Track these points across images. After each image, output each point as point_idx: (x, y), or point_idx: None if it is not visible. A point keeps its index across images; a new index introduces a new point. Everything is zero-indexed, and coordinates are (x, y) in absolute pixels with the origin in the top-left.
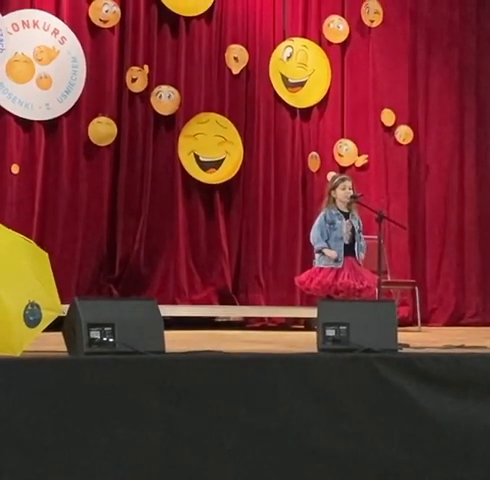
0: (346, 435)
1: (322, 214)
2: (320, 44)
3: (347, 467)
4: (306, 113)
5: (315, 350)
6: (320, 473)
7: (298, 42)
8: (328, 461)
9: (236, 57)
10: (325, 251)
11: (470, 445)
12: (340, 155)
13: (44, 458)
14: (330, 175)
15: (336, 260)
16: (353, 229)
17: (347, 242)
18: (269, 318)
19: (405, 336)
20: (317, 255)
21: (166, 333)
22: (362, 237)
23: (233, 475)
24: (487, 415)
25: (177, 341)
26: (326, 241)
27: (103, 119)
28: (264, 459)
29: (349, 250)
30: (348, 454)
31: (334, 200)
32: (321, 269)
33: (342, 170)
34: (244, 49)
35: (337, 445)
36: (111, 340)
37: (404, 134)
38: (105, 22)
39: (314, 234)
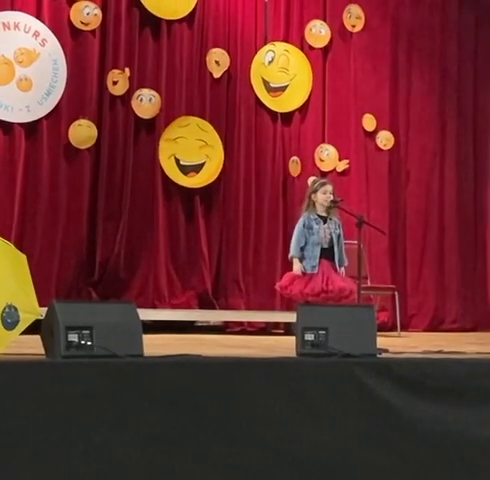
0: (323, 440)
1: (301, 220)
2: (302, 49)
3: (323, 472)
4: (287, 118)
5: (294, 355)
6: (296, 478)
7: (280, 46)
8: (305, 465)
9: (217, 61)
10: (294, 263)
11: (446, 450)
12: (321, 160)
13: (18, 462)
14: (310, 179)
15: (312, 266)
16: (331, 233)
17: (326, 246)
18: (249, 322)
19: (384, 341)
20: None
21: (145, 337)
22: (343, 247)
23: (211, 479)
24: (463, 421)
25: (156, 345)
26: (303, 247)
27: (84, 122)
28: (242, 463)
29: (328, 254)
30: (325, 459)
31: (314, 204)
32: (296, 277)
33: (323, 175)
34: (225, 53)
35: (314, 450)
36: (89, 343)
37: (385, 139)
38: (86, 25)
39: (292, 241)
